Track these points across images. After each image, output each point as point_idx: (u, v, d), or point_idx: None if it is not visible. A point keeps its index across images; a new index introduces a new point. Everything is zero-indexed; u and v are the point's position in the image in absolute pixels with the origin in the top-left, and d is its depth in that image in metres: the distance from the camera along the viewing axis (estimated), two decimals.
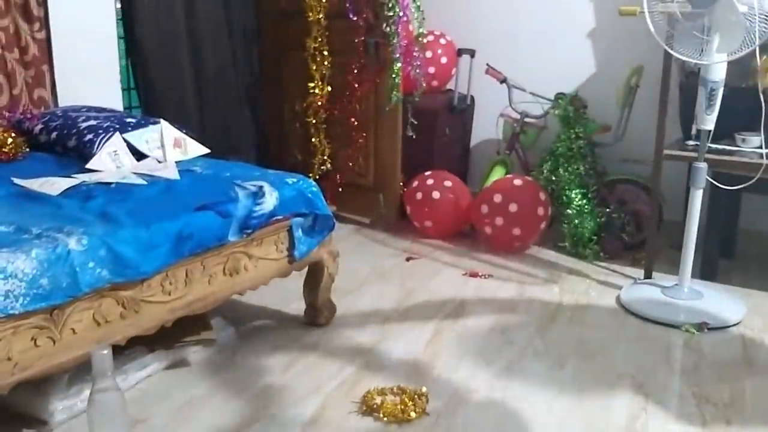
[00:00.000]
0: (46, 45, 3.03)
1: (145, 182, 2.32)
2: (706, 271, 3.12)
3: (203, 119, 3.80)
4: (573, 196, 3.39)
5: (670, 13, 2.55)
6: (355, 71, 3.75)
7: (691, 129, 3.01)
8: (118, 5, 3.45)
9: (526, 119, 3.74)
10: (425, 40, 3.75)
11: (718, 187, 2.82)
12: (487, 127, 4.02)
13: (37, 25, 2.97)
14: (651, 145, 3.05)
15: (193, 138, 2.77)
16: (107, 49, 3.34)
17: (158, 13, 3.52)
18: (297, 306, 2.75)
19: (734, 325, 2.70)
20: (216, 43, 3.83)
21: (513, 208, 3.40)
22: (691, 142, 3.02)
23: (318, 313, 2.68)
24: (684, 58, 2.59)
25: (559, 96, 3.61)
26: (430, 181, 3.70)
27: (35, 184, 2.22)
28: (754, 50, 2.43)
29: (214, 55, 3.82)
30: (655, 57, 2.98)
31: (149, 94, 3.56)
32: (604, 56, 3.81)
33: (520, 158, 3.82)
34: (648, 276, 3.13)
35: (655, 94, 3.02)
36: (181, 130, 2.76)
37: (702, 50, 2.52)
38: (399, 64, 3.61)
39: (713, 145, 2.86)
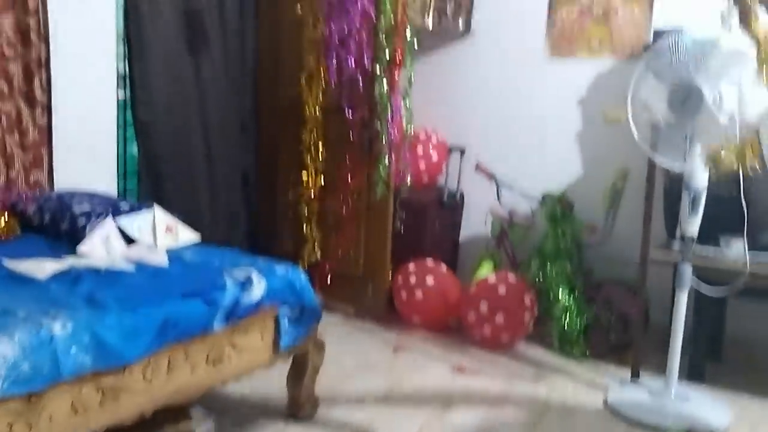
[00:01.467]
0: (47, 129, 3.07)
1: (133, 268, 2.33)
2: (693, 373, 3.10)
3: (198, 205, 3.83)
4: (560, 294, 3.41)
5: (653, 121, 2.65)
6: (349, 164, 3.84)
7: (676, 231, 3.06)
8: (122, 95, 3.55)
9: (515, 217, 3.80)
10: (412, 136, 3.85)
11: (703, 289, 2.84)
12: (476, 222, 4.08)
13: (39, 110, 3.02)
14: (637, 246, 3.09)
15: (185, 224, 2.80)
16: (107, 136, 3.42)
17: (165, 100, 3.61)
18: (280, 397, 2.69)
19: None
20: (217, 131, 3.91)
21: (500, 319, 3.42)
22: (676, 245, 3.06)
23: (301, 407, 2.63)
24: (667, 165, 2.66)
25: (547, 196, 3.68)
26: (419, 271, 3.72)
27: (24, 266, 2.22)
28: None
29: (214, 143, 3.90)
30: (640, 161, 3.07)
31: (149, 177, 3.61)
32: (591, 159, 3.92)
33: (509, 254, 3.86)
34: (635, 377, 3.11)
35: (640, 196, 3.09)
36: (174, 216, 2.79)
37: (685, 157, 2.60)
38: (387, 159, 3.69)
39: (698, 248, 2.90)
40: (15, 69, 2.94)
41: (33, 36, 2.95)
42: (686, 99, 2.52)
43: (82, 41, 3.25)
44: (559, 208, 3.55)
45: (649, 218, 3.03)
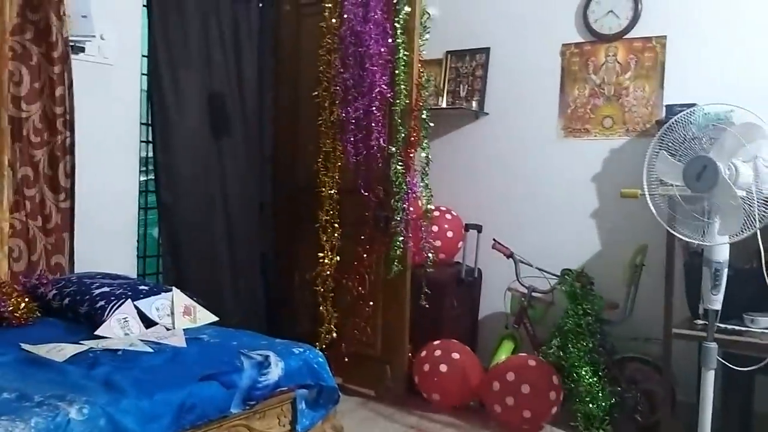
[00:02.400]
0: (69, 213, 3.13)
1: (151, 350, 2.31)
2: None
3: (218, 285, 3.86)
4: (583, 373, 3.33)
5: (670, 196, 2.65)
6: (365, 243, 3.85)
7: (699, 308, 3.01)
8: (143, 177, 3.63)
9: (534, 294, 3.77)
10: (431, 216, 3.87)
11: (730, 367, 2.77)
12: (495, 300, 4.05)
13: (62, 195, 3.09)
14: (659, 322, 3.04)
15: (205, 304, 2.80)
16: (128, 219, 3.48)
17: (187, 182, 3.70)
18: None
19: None
20: (237, 212, 3.98)
21: (525, 389, 3.34)
22: (699, 322, 3.01)
23: None
24: (687, 239, 2.64)
25: (566, 272, 3.65)
26: (438, 352, 3.67)
27: (42, 350, 2.21)
28: (756, 232, 2.48)
29: (234, 224, 3.96)
30: (659, 236, 3.06)
31: (172, 258, 3.65)
32: (609, 235, 3.91)
33: (529, 333, 3.80)
34: None
35: (661, 272, 3.06)
36: (193, 298, 2.79)
37: (704, 232, 2.58)
38: (401, 237, 3.70)
39: (722, 325, 2.85)
40: (41, 155, 3.03)
41: (59, 123, 3.05)
42: (701, 173, 2.53)
43: (107, 127, 3.36)
44: (578, 285, 3.51)
45: (671, 294, 2.99)
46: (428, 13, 3.83)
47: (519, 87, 4.22)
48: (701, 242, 2.59)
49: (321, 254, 3.91)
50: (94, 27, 3.21)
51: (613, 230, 3.89)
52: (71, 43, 3.11)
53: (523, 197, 4.17)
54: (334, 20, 3.84)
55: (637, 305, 3.54)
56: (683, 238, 2.64)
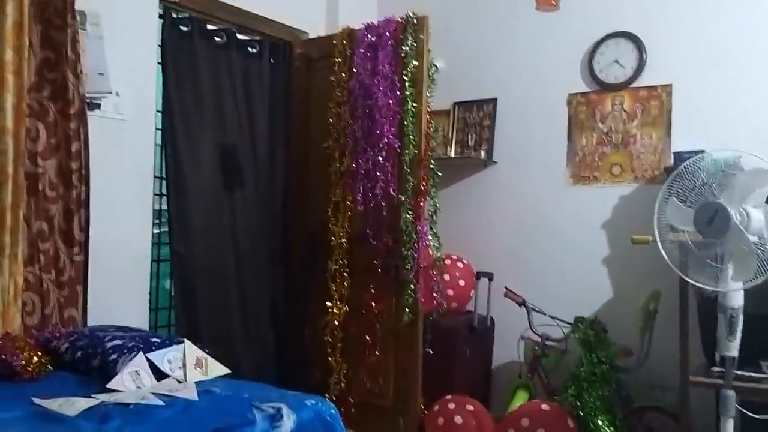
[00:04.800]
0: (83, 267, 3.14)
1: (163, 403, 2.29)
2: None
3: (230, 335, 3.86)
4: (600, 423, 3.27)
5: (681, 242, 2.64)
6: (374, 291, 3.84)
7: (715, 355, 2.97)
8: (156, 230, 3.66)
9: (547, 342, 3.74)
10: (442, 264, 3.87)
11: (749, 415, 2.72)
12: (508, 349, 4.02)
13: (76, 249, 3.09)
14: (675, 370, 3.01)
15: (216, 354, 2.79)
16: (141, 271, 3.49)
17: (200, 233, 3.75)
18: None
19: None
20: (249, 263, 4.00)
21: None
22: (716, 369, 2.96)
23: None
24: (700, 286, 2.62)
25: (579, 320, 3.63)
26: (451, 406, 3.61)
27: (55, 404, 2.20)
28: None
29: (246, 275, 3.98)
30: (672, 282, 3.04)
31: (184, 309, 3.66)
32: (621, 281, 3.89)
33: (543, 381, 3.76)
34: None
35: (675, 318, 3.03)
36: (204, 350, 2.79)
37: (717, 278, 2.57)
38: (413, 286, 3.70)
39: (739, 372, 2.80)
40: (56, 210, 3.06)
41: (74, 178, 3.08)
42: (712, 219, 2.52)
43: (121, 181, 3.40)
44: (592, 333, 3.49)
45: (686, 341, 2.96)
46: (436, 66, 3.90)
47: (527, 136, 4.26)
48: (715, 288, 2.58)
49: (329, 304, 3.90)
50: (111, 84, 3.28)
51: (625, 277, 3.87)
52: (87, 100, 3.17)
53: (533, 245, 4.18)
54: (343, 74, 3.92)
55: (652, 352, 3.50)
56: (697, 284, 2.62)
